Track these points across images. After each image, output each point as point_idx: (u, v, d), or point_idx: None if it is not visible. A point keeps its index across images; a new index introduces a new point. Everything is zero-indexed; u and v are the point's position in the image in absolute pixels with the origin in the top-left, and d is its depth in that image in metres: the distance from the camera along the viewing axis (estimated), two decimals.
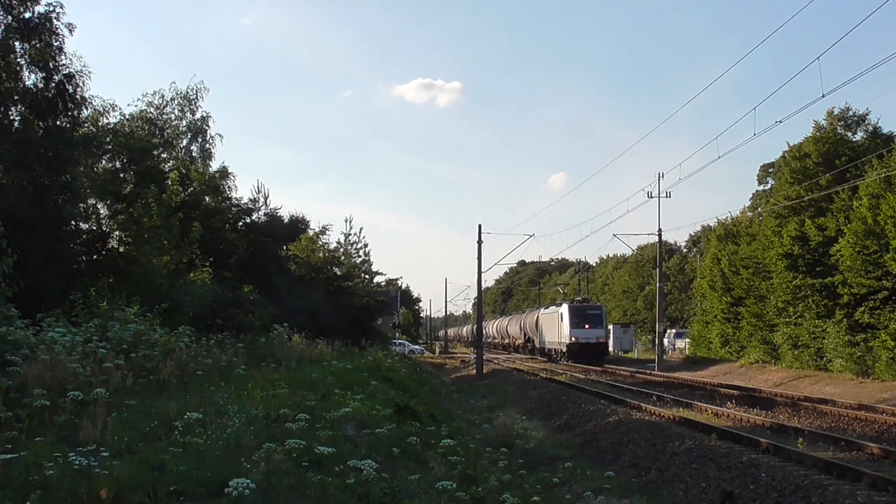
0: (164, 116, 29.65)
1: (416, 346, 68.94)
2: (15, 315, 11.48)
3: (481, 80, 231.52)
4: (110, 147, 25.24)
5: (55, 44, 18.60)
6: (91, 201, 23.60)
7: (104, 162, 25.31)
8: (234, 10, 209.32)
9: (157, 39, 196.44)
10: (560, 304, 49.80)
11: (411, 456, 9.53)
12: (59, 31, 18.66)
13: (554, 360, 47.84)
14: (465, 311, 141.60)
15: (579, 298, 54.51)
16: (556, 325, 47.54)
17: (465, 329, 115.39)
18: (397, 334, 69.84)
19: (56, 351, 10.70)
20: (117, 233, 24.68)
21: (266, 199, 34.12)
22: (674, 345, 55.31)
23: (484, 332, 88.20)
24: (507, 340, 76.13)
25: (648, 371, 36.56)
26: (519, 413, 22.13)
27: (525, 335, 62.91)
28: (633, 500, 10.94)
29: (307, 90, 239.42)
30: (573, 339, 44.32)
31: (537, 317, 56.37)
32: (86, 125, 22.83)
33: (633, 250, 70.18)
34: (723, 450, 12.94)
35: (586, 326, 44.62)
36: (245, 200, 32.43)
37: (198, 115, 30.80)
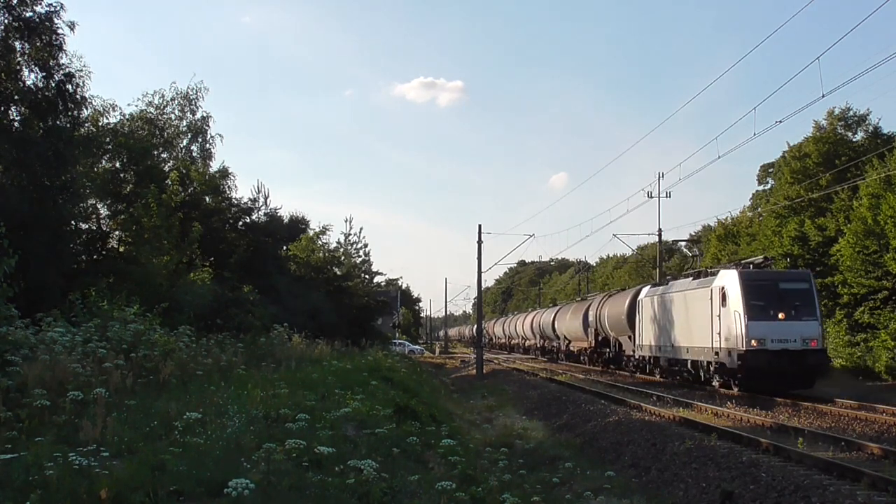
0: (164, 116, 29.67)
1: (416, 346, 68.95)
2: (15, 315, 11.48)
3: (483, 80, 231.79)
4: (110, 147, 25.25)
5: (55, 42, 18.60)
6: (91, 201, 23.62)
7: (104, 162, 25.32)
8: (234, 8, 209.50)
9: (157, 39, 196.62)
10: (713, 273, 25.44)
11: (411, 456, 9.54)
12: (59, 30, 18.67)
13: (700, 383, 25.41)
14: (465, 311, 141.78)
15: (759, 259, 25.76)
16: (697, 314, 24.89)
17: (470, 329, 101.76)
18: (397, 334, 69.85)
19: (56, 351, 10.71)
20: (117, 233, 24.70)
21: (266, 199, 34.13)
22: None
23: (504, 331, 76.79)
24: (545, 342, 54.49)
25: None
26: (519, 413, 22.13)
27: (598, 335, 38.73)
28: (633, 500, 10.94)
29: (307, 89, 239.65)
30: (752, 342, 21.56)
31: (632, 302, 32.43)
32: (86, 125, 22.83)
33: (633, 250, 70.12)
34: (723, 450, 12.93)
35: (780, 316, 21.98)
36: (245, 200, 32.46)
37: (198, 115, 30.85)
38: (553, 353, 51.83)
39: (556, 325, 48.88)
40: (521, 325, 65.39)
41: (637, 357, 31.97)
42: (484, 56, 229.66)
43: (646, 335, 30.43)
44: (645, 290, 31.71)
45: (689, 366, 25.91)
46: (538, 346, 57.17)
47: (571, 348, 45.85)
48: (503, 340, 78.84)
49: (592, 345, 39.78)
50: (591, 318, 39.58)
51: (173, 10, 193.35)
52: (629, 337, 33.07)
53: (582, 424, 18.39)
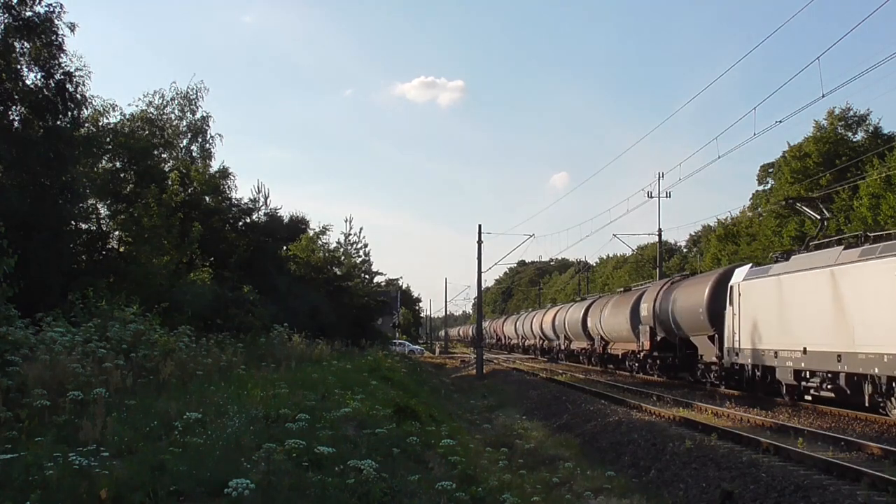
0: (164, 116, 29.63)
1: (416, 346, 69.00)
2: (15, 315, 11.47)
3: (483, 79, 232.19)
4: (110, 147, 25.22)
5: (55, 42, 18.60)
6: (91, 201, 23.59)
7: (104, 162, 25.29)
8: (234, 8, 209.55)
9: (157, 39, 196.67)
10: None
11: (411, 456, 9.53)
12: (59, 29, 18.67)
13: None
14: (464, 311, 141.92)
15: None
16: (866, 301, 16.31)
17: (473, 328, 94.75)
18: (397, 334, 69.87)
19: (56, 351, 10.71)
20: (117, 233, 24.66)
21: (266, 199, 34.19)
22: None
23: (516, 331, 68.27)
24: (570, 344, 45.41)
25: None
26: (519, 413, 22.12)
27: (654, 335, 29.61)
28: (633, 500, 10.93)
29: (307, 89, 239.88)
30: None
31: (716, 289, 24.08)
32: (86, 125, 22.81)
33: (633, 250, 70.28)
34: (723, 450, 12.94)
35: None
36: (245, 200, 32.51)
37: (198, 115, 30.81)
38: (582, 356, 43.11)
39: (588, 323, 40.01)
40: (539, 323, 55.62)
41: (731, 365, 22.52)
42: (484, 55, 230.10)
43: (747, 335, 21.27)
44: (742, 271, 22.72)
45: (841, 381, 17.09)
46: (560, 347, 48.35)
47: (611, 351, 36.61)
48: (514, 341, 71.02)
49: (647, 347, 30.17)
50: (644, 312, 30.49)
51: (173, 9, 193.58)
52: (711, 337, 24.13)
53: (582, 424, 18.39)
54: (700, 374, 25.89)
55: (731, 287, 22.49)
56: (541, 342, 56.33)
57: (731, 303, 22.36)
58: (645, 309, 30.56)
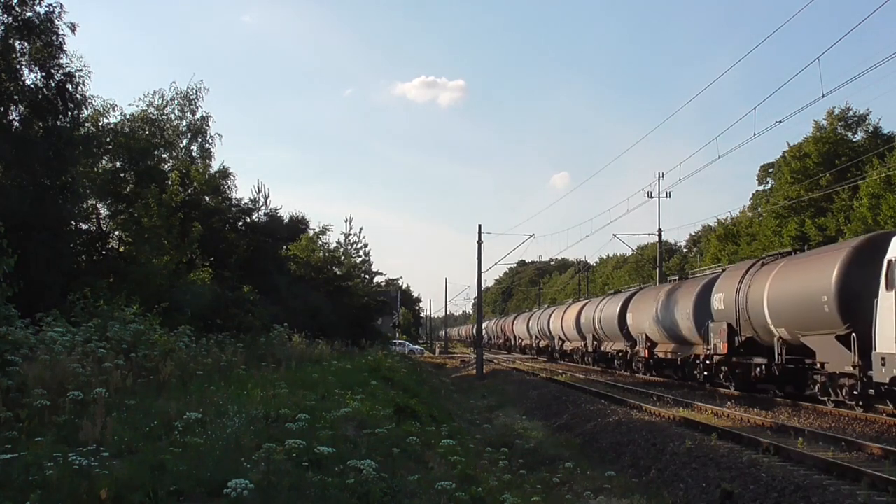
0: (164, 116, 29.60)
1: (416, 346, 69.02)
2: (15, 315, 11.47)
3: (484, 79, 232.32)
4: (110, 147, 25.24)
5: (55, 43, 18.61)
6: (91, 201, 23.59)
7: (104, 162, 25.29)
8: (234, 7, 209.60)
9: (157, 39, 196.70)
10: None
11: (411, 456, 9.54)
12: (59, 30, 18.68)
13: None
14: (465, 311, 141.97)
15: None
16: None
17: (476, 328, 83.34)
18: (397, 334, 69.87)
19: (56, 351, 10.70)
20: (117, 233, 24.68)
21: (266, 199, 34.18)
22: None
23: (529, 330, 60.72)
24: (598, 345, 38.87)
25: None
26: (519, 413, 22.14)
27: (733, 334, 22.36)
28: (633, 500, 10.94)
29: (308, 88, 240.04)
30: None
31: (855, 269, 16.65)
32: (86, 125, 22.81)
33: (633, 250, 70.30)
34: (723, 450, 12.94)
35: None
36: (245, 200, 32.51)
37: (198, 115, 30.76)
38: (617, 361, 36.31)
39: (627, 321, 33.19)
40: (559, 320, 47.95)
41: (891, 380, 14.58)
42: (485, 55, 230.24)
43: None
44: None
45: None
46: (587, 349, 41.06)
47: (660, 354, 30.26)
48: (526, 341, 63.93)
49: (722, 351, 22.88)
50: (719, 305, 23.42)
51: (173, 9, 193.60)
52: (842, 338, 16.81)
53: (582, 424, 18.39)
54: (818, 390, 18.44)
55: (892, 262, 14.71)
56: (559, 343, 48.77)
57: (890, 286, 14.64)
58: (720, 300, 23.38)
